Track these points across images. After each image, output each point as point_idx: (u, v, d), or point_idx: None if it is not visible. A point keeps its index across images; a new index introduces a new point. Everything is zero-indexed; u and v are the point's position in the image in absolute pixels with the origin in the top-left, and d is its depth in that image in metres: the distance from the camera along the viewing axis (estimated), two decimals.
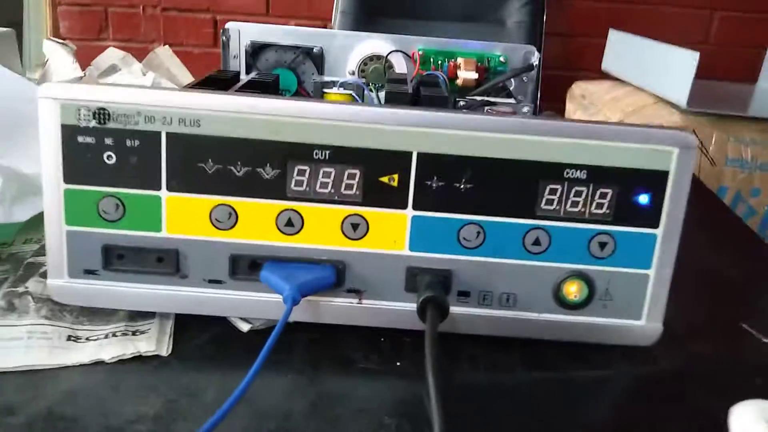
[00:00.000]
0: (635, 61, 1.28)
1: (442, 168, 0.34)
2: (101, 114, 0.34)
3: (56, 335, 0.36)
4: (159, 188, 0.35)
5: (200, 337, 0.38)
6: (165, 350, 0.36)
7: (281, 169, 0.34)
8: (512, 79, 0.60)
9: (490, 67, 0.60)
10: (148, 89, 0.34)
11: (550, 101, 1.41)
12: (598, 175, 0.35)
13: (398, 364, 0.36)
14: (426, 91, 0.47)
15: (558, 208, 0.35)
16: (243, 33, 0.59)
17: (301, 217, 0.35)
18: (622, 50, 1.35)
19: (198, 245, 0.36)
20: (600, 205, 0.35)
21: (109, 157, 0.34)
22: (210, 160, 0.34)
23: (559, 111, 1.51)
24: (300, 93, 0.59)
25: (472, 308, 0.37)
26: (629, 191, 0.35)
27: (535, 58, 0.60)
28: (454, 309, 0.36)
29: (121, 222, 0.35)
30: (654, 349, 0.38)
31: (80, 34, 1.66)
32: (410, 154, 0.34)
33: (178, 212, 0.35)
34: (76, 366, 0.34)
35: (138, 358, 0.35)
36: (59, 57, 0.66)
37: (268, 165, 0.34)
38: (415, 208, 0.35)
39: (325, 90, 0.51)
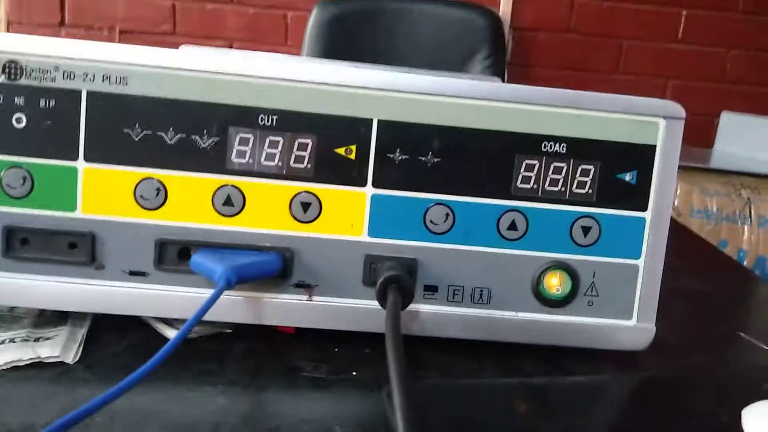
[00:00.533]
0: None
1: (407, 139, 0.30)
2: (11, 67, 0.29)
3: None
4: (75, 158, 0.30)
5: (117, 344, 0.32)
6: (71, 357, 0.30)
7: (220, 136, 0.30)
8: None
9: None
10: (68, 40, 0.29)
11: None
12: (579, 149, 0.31)
13: (354, 374, 0.31)
14: None
15: (536, 186, 0.31)
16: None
17: (243, 195, 0.30)
18: None
19: (118, 228, 0.30)
20: (582, 184, 0.31)
21: (18, 120, 0.29)
22: (137, 125, 0.30)
23: None
24: None
25: (440, 306, 0.32)
26: (613, 168, 0.31)
27: None
28: (421, 307, 0.31)
29: (28, 199, 0.30)
30: (650, 357, 0.33)
31: None
32: (370, 121, 0.30)
33: (96, 188, 0.30)
34: None
35: (37, 365, 0.29)
36: None
37: (204, 132, 0.30)
38: (375, 185, 0.31)
39: None
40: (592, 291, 0.32)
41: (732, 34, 1.66)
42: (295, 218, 0.31)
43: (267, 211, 0.30)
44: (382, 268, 0.30)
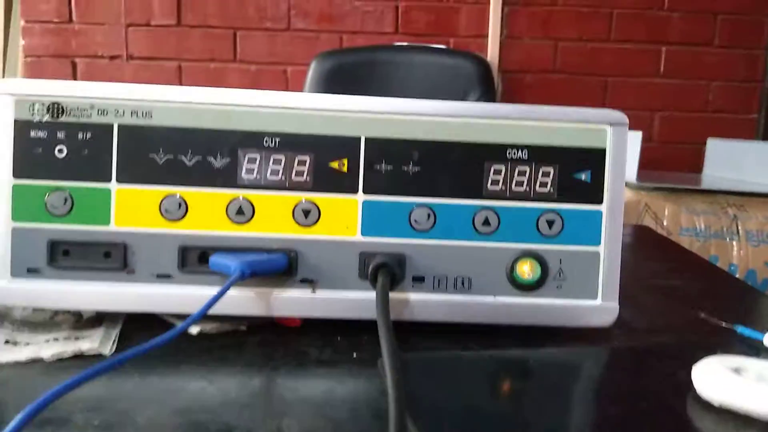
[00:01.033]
0: None
1: (390, 152, 0.36)
2: (55, 108, 0.35)
3: None
4: (109, 180, 0.35)
5: (147, 339, 0.36)
6: (108, 350, 0.34)
7: (231, 157, 0.35)
8: None
9: None
10: (101, 83, 0.35)
11: None
12: (540, 154, 0.36)
13: (354, 355, 0.35)
14: None
15: (504, 188, 0.36)
16: None
17: (252, 206, 0.35)
18: None
19: (146, 238, 0.35)
20: (544, 184, 0.36)
21: (60, 150, 0.35)
22: (160, 151, 0.35)
23: None
24: None
25: (427, 294, 0.36)
26: (570, 169, 0.36)
27: None
28: (410, 295, 0.36)
29: (69, 216, 0.35)
30: (619, 337, 0.38)
31: None
32: (359, 139, 0.36)
33: (127, 204, 0.35)
34: (12, 363, 0.32)
35: (79, 357, 0.33)
36: None
37: (218, 154, 0.35)
38: (365, 192, 0.36)
39: None
40: (560, 276, 0.36)
41: (711, 67, 1.74)
42: (297, 223, 0.36)
43: (273, 218, 0.36)
44: (374, 261, 0.35)
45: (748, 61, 1.74)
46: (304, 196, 0.36)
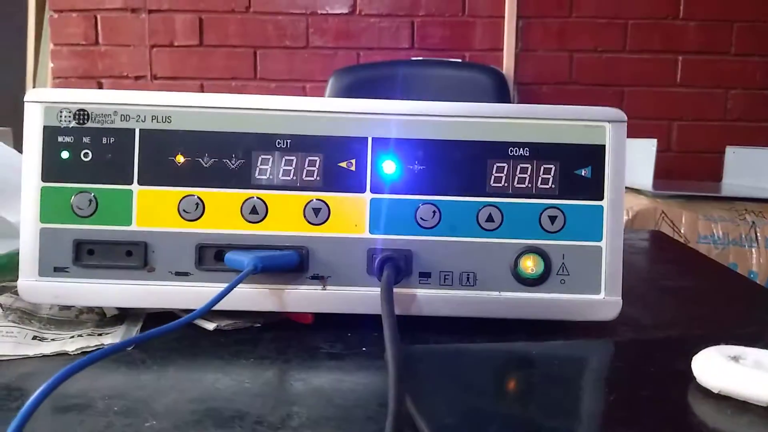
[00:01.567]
0: None
1: (396, 152, 0.37)
2: (81, 114, 0.37)
3: (22, 335, 0.36)
4: (131, 183, 0.37)
5: (168, 335, 0.38)
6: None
7: (245, 159, 0.37)
8: None
9: None
10: (124, 91, 0.37)
11: None
12: (541, 152, 0.37)
13: (364, 349, 0.36)
14: None
15: (506, 185, 0.37)
16: None
17: (265, 205, 0.37)
18: None
19: (166, 237, 0.37)
20: (546, 180, 0.37)
21: (85, 154, 0.37)
22: (179, 154, 0.37)
23: None
24: None
25: (433, 289, 0.37)
26: (571, 165, 0.37)
27: None
28: (417, 291, 0.37)
29: (94, 217, 0.37)
30: (624, 331, 0.38)
31: None
32: (366, 139, 0.37)
33: (148, 205, 0.37)
34: (39, 357, 0.34)
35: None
36: None
37: (233, 156, 0.37)
38: (373, 191, 0.37)
39: None
40: (563, 270, 0.37)
41: (728, 75, 1.73)
42: (308, 221, 0.37)
43: (285, 217, 0.37)
44: (380, 256, 0.36)
45: (766, 69, 1.73)
46: (314, 195, 0.37)
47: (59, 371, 0.24)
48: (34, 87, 1.83)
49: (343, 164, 0.37)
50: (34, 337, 0.37)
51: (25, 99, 0.37)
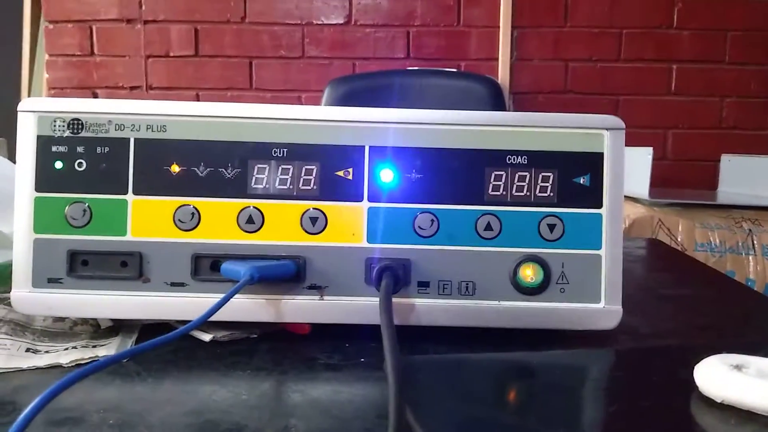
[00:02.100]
0: None
1: (394, 160, 0.37)
2: (75, 124, 0.36)
3: (15, 347, 0.36)
4: (126, 192, 0.37)
5: (163, 347, 0.37)
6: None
7: (241, 168, 0.37)
8: None
9: None
10: (118, 100, 0.37)
11: None
12: (539, 160, 0.37)
13: (362, 360, 0.36)
14: None
15: (505, 193, 0.37)
16: None
17: (262, 214, 0.37)
18: None
19: (161, 247, 0.37)
20: (544, 188, 0.37)
21: (79, 164, 0.36)
22: (174, 163, 0.37)
23: None
24: None
25: (432, 299, 0.37)
26: (569, 173, 0.37)
27: None
28: (415, 300, 0.37)
29: (88, 227, 0.37)
30: (625, 341, 0.38)
31: None
32: (363, 148, 0.37)
33: (142, 215, 0.37)
34: (33, 369, 0.34)
35: None
36: None
37: (229, 165, 0.37)
38: (370, 200, 0.37)
39: None
40: (562, 279, 0.37)
41: (723, 84, 1.74)
42: (305, 231, 0.37)
43: (282, 226, 0.37)
44: (379, 265, 0.36)
45: (760, 77, 1.74)
46: (311, 204, 0.37)
47: (53, 385, 0.24)
48: (29, 97, 1.83)
49: (340, 173, 0.37)
50: (28, 350, 0.36)
51: (18, 108, 0.37)
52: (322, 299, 0.37)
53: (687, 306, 0.50)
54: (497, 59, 1.75)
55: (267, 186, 0.37)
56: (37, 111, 0.36)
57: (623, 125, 0.37)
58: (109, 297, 0.37)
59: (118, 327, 0.40)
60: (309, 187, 0.37)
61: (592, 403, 0.30)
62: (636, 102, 1.75)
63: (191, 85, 1.81)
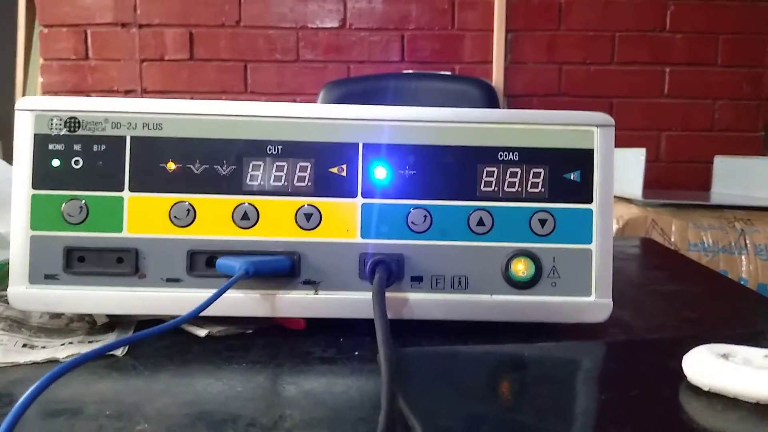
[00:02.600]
0: None
1: (387, 157, 0.37)
2: (72, 122, 0.37)
3: (11, 343, 0.36)
4: (122, 189, 0.37)
5: (158, 343, 0.38)
6: (120, 351, 0.36)
7: (237, 165, 0.37)
8: None
9: None
10: (115, 98, 0.37)
11: None
12: (530, 156, 0.38)
13: (356, 353, 0.36)
14: None
15: (496, 189, 0.38)
16: None
17: (257, 210, 0.37)
18: None
19: (157, 243, 0.37)
20: (535, 184, 0.38)
21: (76, 162, 0.37)
22: (170, 160, 0.37)
23: None
24: None
25: (425, 293, 0.37)
26: (560, 169, 0.38)
27: None
28: (409, 295, 0.37)
29: (84, 224, 0.37)
30: (616, 334, 0.38)
31: None
32: (357, 145, 0.37)
33: (138, 212, 0.37)
34: (29, 364, 0.34)
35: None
36: None
37: (224, 162, 0.37)
38: (364, 196, 0.37)
39: None
40: (554, 273, 0.38)
41: (715, 86, 1.75)
42: (300, 227, 0.37)
43: (277, 223, 0.37)
44: (372, 259, 0.36)
45: (752, 80, 1.75)
46: (305, 200, 0.37)
47: (48, 373, 0.24)
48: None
49: (334, 170, 0.37)
50: (24, 345, 0.36)
51: (16, 107, 0.37)
52: (317, 294, 0.37)
53: (678, 301, 0.50)
54: (491, 62, 1.76)
55: (262, 183, 0.37)
56: (34, 109, 0.37)
57: (613, 122, 0.38)
58: (105, 293, 0.37)
59: (114, 323, 0.40)
60: (303, 184, 0.37)
61: (581, 393, 0.31)
62: (629, 104, 1.76)
63: (186, 89, 1.82)
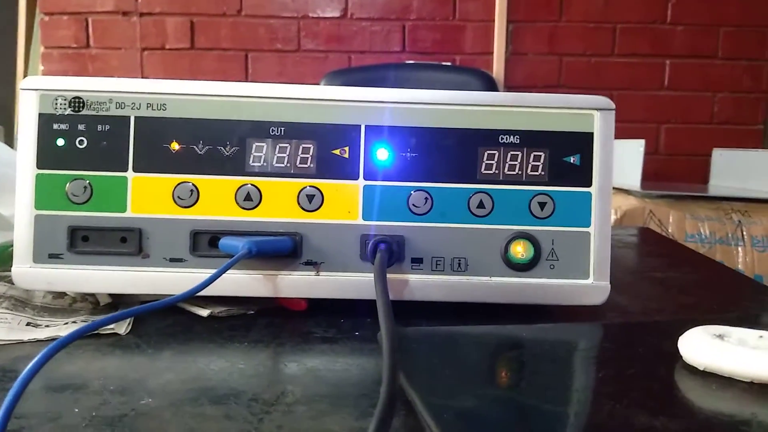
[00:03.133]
0: None
1: (389, 139, 0.38)
2: (76, 102, 0.37)
3: (16, 321, 0.37)
4: (126, 170, 0.37)
5: (161, 322, 0.38)
6: (123, 329, 0.36)
7: (240, 146, 0.37)
8: None
9: None
10: (119, 78, 0.38)
11: None
12: (530, 139, 0.38)
13: (357, 333, 0.37)
14: None
15: (497, 172, 0.38)
16: None
17: (259, 191, 0.38)
18: None
19: (160, 224, 0.37)
20: (535, 167, 0.38)
21: (80, 142, 0.37)
22: (174, 141, 0.37)
23: None
24: None
25: (426, 275, 0.38)
26: (560, 153, 0.38)
27: None
28: (409, 276, 0.38)
29: (88, 204, 0.37)
30: (610, 317, 0.39)
31: None
32: (359, 127, 0.38)
33: (142, 192, 0.37)
34: (33, 342, 0.35)
35: (96, 335, 0.35)
36: None
37: (227, 143, 0.37)
38: (366, 178, 0.38)
39: None
40: (552, 256, 0.38)
41: (715, 79, 1.75)
42: (302, 208, 0.38)
43: (279, 204, 0.38)
44: (373, 239, 0.37)
45: (753, 73, 1.75)
46: (308, 182, 0.38)
47: (48, 346, 0.24)
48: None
49: (337, 151, 0.38)
50: (28, 324, 0.37)
51: (20, 87, 0.37)
52: (318, 275, 0.38)
53: (675, 287, 0.51)
54: (492, 53, 1.76)
55: (265, 164, 0.38)
56: (39, 89, 0.37)
57: (613, 106, 0.38)
58: (108, 272, 0.37)
59: (117, 304, 0.40)
60: (306, 165, 0.38)
61: (578, 372, 0.31)
62: (629, 97, 1.76)
63: (187, 78, 1.81)
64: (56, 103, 0.37)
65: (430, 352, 0.32)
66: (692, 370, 0.30)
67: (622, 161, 1.18)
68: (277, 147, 0.37)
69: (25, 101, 0.37)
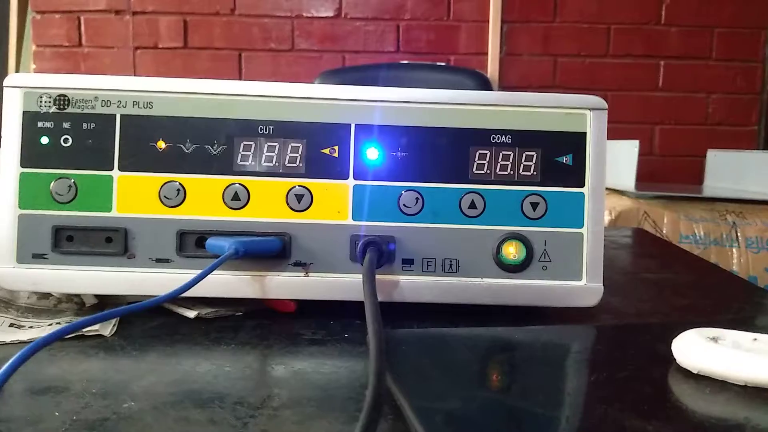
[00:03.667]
0: None
1: (379, 138, 0.37)
2: (61, 100, 0.36)
3: None
4: (111, 168, 0.37)
5: (147, 323, 0.37)
6: (108, 331, 0.36)
7: (227, 144, 0.37)
8: None
9: None
10: (105, 76, 0.37)
11: None
12: (523, 139, 0.37)
13: (346, 335, 0.36)
14: None
15: (489, 172, 0.37)
16: None
17: (247, 191, 0.37)
18: None
19: (146, 223, 0.37)
20: (527, 167, 0.38)
21: (65, 140, 0.36)
22: (160, 139, 0.37)
23: None
24: None
25: (416, 276, 0.37)
26: (552, 152, 0.38)
27: None
28: (400, 277, 0.37)
29: (73, 203, 0.37)
30: (603, 318, 0.38)
31: None
32: (349, 126, 0.37)
33: (128, 191, 0.37)
34: (16, 343, 0.34)
35: (80, 337, 0.35)
36: None
37: (215, 142, 0.37)
38: (356, 177, 0.37)
39: None
40: (545, 257, 0.38)
41: (709, 80, 1.76)
42: (291, 208, 0.37)
43: (268, 203, 0.37)
44: (363, 240, 0.36)
45: (746, 74, 1.76)
46: (297, 181, 0.37)
47: (26, 346, 0.24)
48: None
49: (326, 151, 0.37)
50: (11, 325, 0.36)
51: (4, 84, 0.36)
52: (307, 276, 0.37)
53: (669, 289, 0.50)
54: (487, 53, 1.76)
55: (253, 163, 0.37)
56: (23, 86, 0.36)
57: (606, 106, 0.38)
58: (93, 273, 0.37)
59: (103, 305, 0.40)
60: (295, 165, 0.37)
61: (570, 374, 0.31)
62: (623, 97, 1.76)
63: (180, 77, 1.80)
64: (41, 101, 0.36)
65: (420, 354, 0.32)
66: (686, 373, 0.30)
67: (616, 162, 1.18)
68: (266, 146, 0.37)
69: (9, 99, 0.36)
